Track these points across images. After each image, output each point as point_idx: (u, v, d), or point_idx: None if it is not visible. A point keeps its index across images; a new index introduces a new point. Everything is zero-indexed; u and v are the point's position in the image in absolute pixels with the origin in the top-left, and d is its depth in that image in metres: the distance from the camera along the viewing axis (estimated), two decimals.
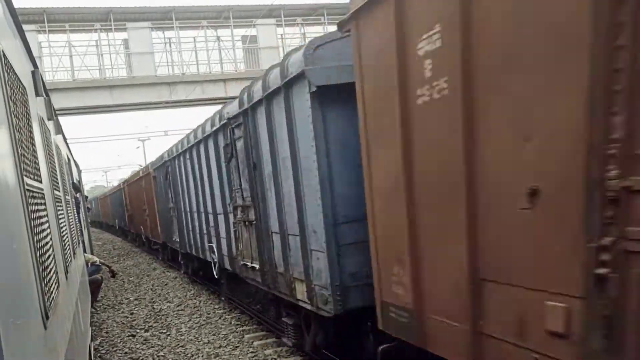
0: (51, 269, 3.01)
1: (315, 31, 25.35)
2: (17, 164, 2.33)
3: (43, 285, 2.49)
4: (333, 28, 6.28)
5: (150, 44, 24.25)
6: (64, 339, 3.17)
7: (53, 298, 2.84)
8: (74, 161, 14.79)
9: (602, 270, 2.48)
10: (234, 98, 8.63)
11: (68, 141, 12.23)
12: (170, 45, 24.97)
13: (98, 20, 23.89)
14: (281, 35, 26.44)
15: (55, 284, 3.12)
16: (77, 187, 12.95)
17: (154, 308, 12.45)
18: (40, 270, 2.50)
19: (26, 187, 2.50)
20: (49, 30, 22.98)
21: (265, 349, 8.29)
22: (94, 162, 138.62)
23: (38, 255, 2.50)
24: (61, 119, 10.78)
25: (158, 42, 24.93)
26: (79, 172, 19.15)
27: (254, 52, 25.74)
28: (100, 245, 32.04)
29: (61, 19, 23.30)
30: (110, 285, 16.22)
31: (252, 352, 8.20)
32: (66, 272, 4.22)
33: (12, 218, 2.04)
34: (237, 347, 8.59)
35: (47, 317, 2.43)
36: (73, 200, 9.02)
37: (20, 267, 2.04)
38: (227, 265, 10.39)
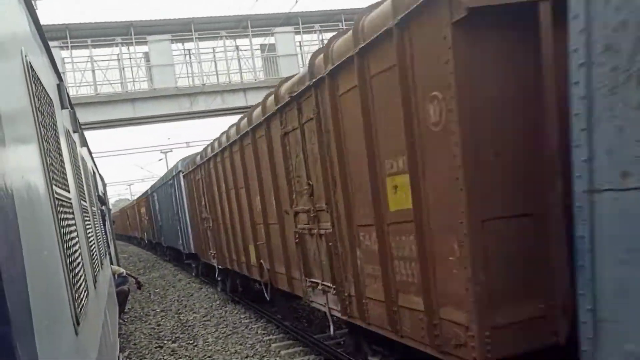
0: (81, 277, 3.03)
1: None
2: (46, 172, 2.35)
3: (73, 291, 2.50)
4: None
5: (170, 56, 24.50)
6: (94, 347, 3.18)
7: (83, 305, 2.85)
8: (99, 174, 14.99)
9: None
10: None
11: (92, 155, 12.39)
12: (190, 57, 25.20)
13: (119, 35, 24.22)
14: (299, 42, 26.55)
15: (85, 291, 3.14)
16: (103, 200, 13.11)
17: (180, 319, 12.49)
18: (71, 277, 2.51)
19: (55, 195, 2.52)
20: (71, 46, 23.36)
21: (292, 358, 8.25)
22: (118, 175, 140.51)
23: (68, 262, 2.51)
24: (85, 133, 10.93)
25: (178, 54, 25.19)
26: (104, 185, 19.39)
27: (273, 60, 25.86)
28: (126, 257, 32.34)
29: (83, 35, 23.66)
30: (136, 297, 16.33)
31: None
32: (95, 281, 4.24)
33: (43, 225, 2.05)
34: (264, 356, 8.56)
35: (78, 324, 2.44)
36: (99, 212, 9.12)
37: (51, 272, 2.05)
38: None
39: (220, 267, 13.50)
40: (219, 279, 14.17)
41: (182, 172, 16.70)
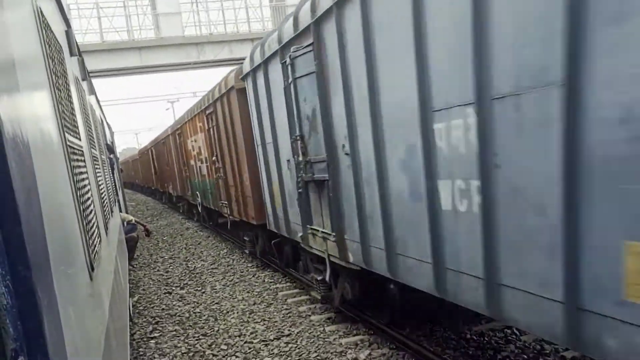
0: (93, 224, 3.07)
1: None
2: (58, 120, 2.36)
3: (87, 238, 2.54)
4: None
5: (177, 4, 24.12)
6: (107, 291, 3.25)
7: (97, 251, 2.90)
8: (107, 123, 14.99)
9: None
10: None
11: (100, 103, 12.36)
12: (197, 5, 24.80)
13: None
14: None
15: (98, 238, 3.19)
16: (111, 148, 13.16)
17: (188, 266, 12.69)
18: (84, 223, 2.54)
19: (68, 143, 2.54)
20: None
21: (299, 306, 8.41)
22: (126, 124, 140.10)
23: (82, 209, 2.55)
24: (92, 81, 10.87)
25: (185, 1, 24.78)
26: (112, 133, 19.41)
27: (281, 10, 25.42)
28: (134, 205, 32.64)
29: None
30: (145, 244, 16.56)
31: (286, 309, 8.33)
32: (106, 228, 4.31)
33: (58, 172, 2.07)
34: (271, 304, 8.73)
35: (93, 269, 2.49)
36: (108, 160, 9.16)
37: (66, 219, 2.08)
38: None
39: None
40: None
41: None
